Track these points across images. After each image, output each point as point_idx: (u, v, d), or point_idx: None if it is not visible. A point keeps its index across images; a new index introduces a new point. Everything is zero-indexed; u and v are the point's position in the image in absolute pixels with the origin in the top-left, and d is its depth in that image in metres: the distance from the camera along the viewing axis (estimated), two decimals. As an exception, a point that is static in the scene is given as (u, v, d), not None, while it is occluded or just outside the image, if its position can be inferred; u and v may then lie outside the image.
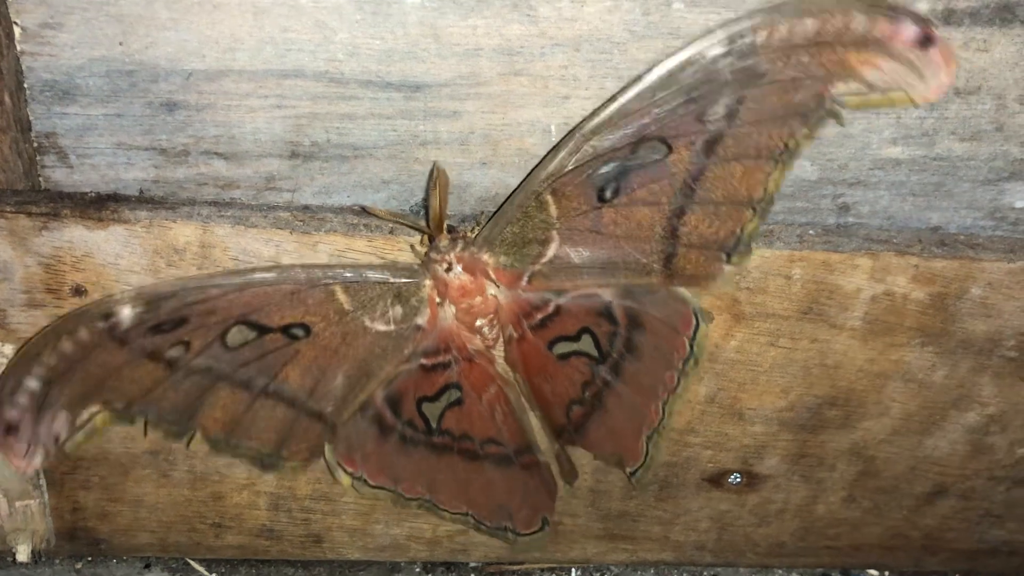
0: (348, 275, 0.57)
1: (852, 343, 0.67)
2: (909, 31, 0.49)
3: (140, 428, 0.59)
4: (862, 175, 0.63)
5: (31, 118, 0.57)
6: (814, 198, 0.64)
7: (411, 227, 0.59)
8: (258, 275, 0.55)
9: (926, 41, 0.49)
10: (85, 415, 0.56)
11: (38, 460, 0.56)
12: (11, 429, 0.55)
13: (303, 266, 0.56)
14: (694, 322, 0.60)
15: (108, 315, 0.54)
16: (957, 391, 0.70)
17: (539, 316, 0.60)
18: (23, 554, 0.70)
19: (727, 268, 0.57)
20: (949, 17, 0.56)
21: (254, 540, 0.74)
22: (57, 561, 0.75)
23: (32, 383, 0.54)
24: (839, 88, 0.51)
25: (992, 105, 0.60)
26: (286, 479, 0.70)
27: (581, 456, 0.68)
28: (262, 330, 0.56)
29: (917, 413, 0.71)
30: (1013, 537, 0.81)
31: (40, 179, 0.60)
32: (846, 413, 0.71)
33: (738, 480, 0.74)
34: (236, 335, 0.56)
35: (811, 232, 0.63)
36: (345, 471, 0.63)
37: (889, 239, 0.63)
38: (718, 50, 0.50)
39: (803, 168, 0.62)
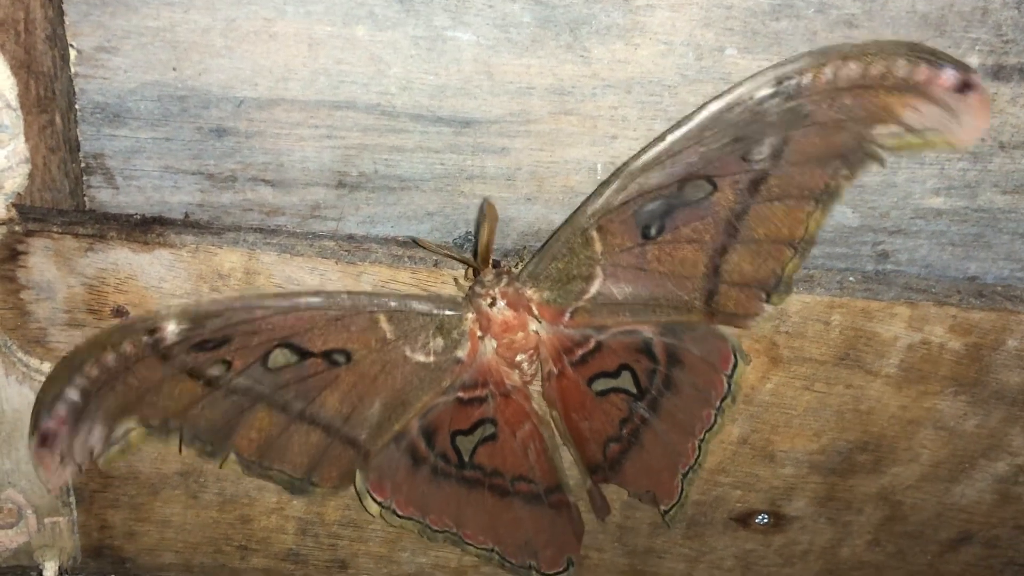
0: (393, 304, 0.57)
1: (886, 390, 0.67)
2: (949, 76, 0.50)
3: (172, 448, 0.58)
4: (903, 223, 0.63)
5: (80, 139, 0.58)
6: (854, 244, 0.64)
7: (458, 260, 0.59)
8: (304, 299, 0.56)
9: (965, 86, 0.50)
10: (121, 430, 0.56)
11: (69, 473, 0.55)
12: (46, 439, 0.54)
13: (348, 292, 0.57)
14: (733, 360, 0.60)
15: (153, 330, 0.53)
16: (988, 440, 0.70)
17: (580, 352, 0.60)
18: (50, 571, 0.70)
19: (767, 307, 0.58)
20: (998, 72, 0.57)
21: (279, 563, 0.74)
22: (81, 578, 0.75)
23: (72, 394, 0.53)
24: (879, 131, 0.52)
25: (1036, 160, 0.60)
26: (315, 504, 0.70)
27: (610, 491, 0.68)
28: (304, 354, 0.56)
29: (947, 460, 0.71)
30: (1035, 586, 0.81)
31: (85, 199, 0.60)
32: (876, 458, 0.71)
33: (765, 520, 0.74)
34: (278, 357, 0.56)
35: (851, 279, 0.63)
36: (374, 500, 0.63)
37: (928, 288, 0.64)
38: (766, 91, 0.51)
39: (844, 215, 0.62)
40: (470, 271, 0.59)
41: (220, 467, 0.60)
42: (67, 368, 0.54)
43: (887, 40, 0.53)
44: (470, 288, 0.58)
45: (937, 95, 0.50)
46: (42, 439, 0.54)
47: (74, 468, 0.55)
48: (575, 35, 0.54)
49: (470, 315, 0.58)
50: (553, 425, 0.64)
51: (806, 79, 0.50)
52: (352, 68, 0.55)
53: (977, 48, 0.56)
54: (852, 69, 0.50)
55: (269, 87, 0.56)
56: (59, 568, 0.71)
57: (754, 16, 0.54)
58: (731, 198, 0.54)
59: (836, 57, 0.50)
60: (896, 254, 0.64)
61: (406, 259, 0.60)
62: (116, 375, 0.54)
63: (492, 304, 0.57)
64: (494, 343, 0.59)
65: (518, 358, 0.60)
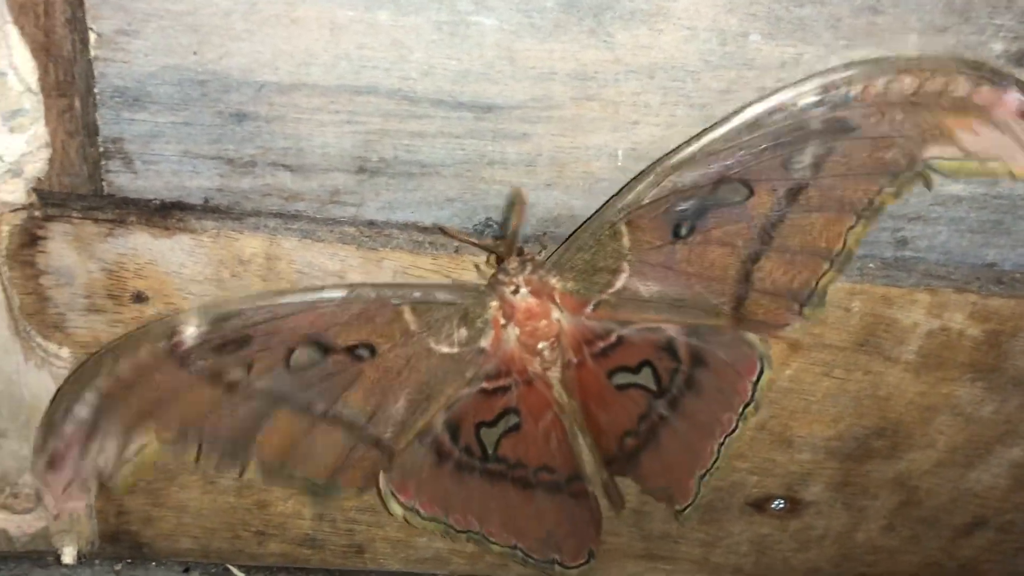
0: (416, 295, 0.56)
1: (905, 376, 0.67)
2: (1015, 99, 0.47)
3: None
4: (923, 210, 0.63)
5: (99, 123, 0.57)
6: (873, 231, 0.64)
7: (482, 248, 0.59)
8: (326, 294, 0.54)
9: None
10: (134, 447, 0.54)
11: (77, 500, 0.53)
12: (54, 462, 0.51)
13: (371, 285, 0.56)
14: (759, 367, 0.59)
15: (172, 334, 0.52)
16: (1004, 426, 0.70)
17: (601, 345, 0.60)
18: (68, 556, 0.70)
19: (798, 318, 0.57)
20: (1021, 59, 0.56)
21: (296, 548, 0.74)
22: (97, 562, 0.75)
23: (83, 410, 0.51)
24: (933, 151, 0.50)
25: (1057, 146, 0.60)
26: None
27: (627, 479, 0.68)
28: (326, 350, 0.55)
29: (963, 446, 0.72)
30: (1048, 571, 0.81)
31: (103, 184, 0.59)
32: (893, 444, 0.71)
33: (781, 506, 0.74)
34: (300, 356, 0.55)
35: (871, 265, 0.63)
36: (398, 502, 0.62)
37: (948, 275, 0.64)
38: (810, 99, 0.49)
39: (865, 201, 0.62)
40: (491, 257, 0.59)
41: (240, 476, 0.58)
42: (79, 381, 0.51)
43: (947, 56, 0.51)
44: (493, 275, 0.58)
45: (1000, 120, 0.47)
46: (50, 462, 0.52)
47: (84, 492, 0.53)
48: (598, 20, 0.54)
49: (493, 303, 0.58)
50: (572, 413, 0.63)
51: (855, 90, 0.49)
52: (374, 53, 0.55)
53: (1001, 34, 0.55)
54: (906, 84, 0.48)
55: (290, 71, 0.55)
56: (77, 553, 0.71)
57: (778, 2, 0.54)
58: (767, 205, 0.53)
59: (889, 70, 0.48)
60: (915, 240, 0.64)
61: (427, 245, 0.60)
62: (131, 386, 0.52)
63: (516, 291, 0.57)
64: (516, 331, 0.58)
65: (539, 346, 0.59)
